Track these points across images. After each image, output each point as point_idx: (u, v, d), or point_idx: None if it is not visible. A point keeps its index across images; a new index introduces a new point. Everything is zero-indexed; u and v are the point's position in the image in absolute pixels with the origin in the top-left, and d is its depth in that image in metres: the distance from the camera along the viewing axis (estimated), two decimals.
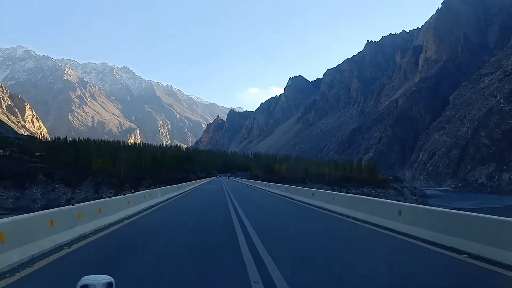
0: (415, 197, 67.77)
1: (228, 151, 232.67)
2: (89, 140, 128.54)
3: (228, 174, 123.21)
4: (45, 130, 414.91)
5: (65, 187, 67.95)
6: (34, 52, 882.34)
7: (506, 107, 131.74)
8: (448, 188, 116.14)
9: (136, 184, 64.67)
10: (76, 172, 72.46)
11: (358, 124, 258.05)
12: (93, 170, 74.83)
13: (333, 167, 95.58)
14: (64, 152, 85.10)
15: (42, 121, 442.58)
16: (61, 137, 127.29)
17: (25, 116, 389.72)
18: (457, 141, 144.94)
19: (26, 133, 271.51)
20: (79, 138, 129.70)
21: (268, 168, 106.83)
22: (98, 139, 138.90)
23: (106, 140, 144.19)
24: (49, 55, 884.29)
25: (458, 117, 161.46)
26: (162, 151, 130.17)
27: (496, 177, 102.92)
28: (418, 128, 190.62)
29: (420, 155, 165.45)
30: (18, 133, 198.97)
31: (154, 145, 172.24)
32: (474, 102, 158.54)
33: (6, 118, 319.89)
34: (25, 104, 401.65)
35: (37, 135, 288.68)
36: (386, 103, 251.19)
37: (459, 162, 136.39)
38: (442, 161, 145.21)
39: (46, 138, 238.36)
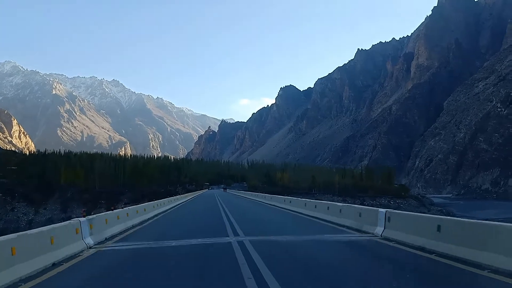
0: (439, 208, 60.84)
1: (221, 161, 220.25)
2: (58, 151, 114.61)
3: (223, 186, 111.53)
4: (33, 145, 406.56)
5: (27, 206, 58.20)
6: (22, 67, 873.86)
7: (504, 111, 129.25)
8: (450, 195, 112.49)
9: (113, 199, 57.89)
10: (42, 187, 62.15)
11: (351, 132, 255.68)
12: (62, 185, 65.10)
13: (341, 174, 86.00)
14: (33, 165, 74.60)
15: (29, 137, 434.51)
16: (47, 151, 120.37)
17: (12, 131, 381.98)
18: (454, 147, 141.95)
19: (13, 148, 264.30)
20: (45, 150, 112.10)
21: (268, 178, 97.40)
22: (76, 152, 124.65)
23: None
24: (37, 70, 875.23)
25: (453, 122, 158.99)
26: (144, 161, 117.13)
27: (502, 182, 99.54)
28: (413, 135, 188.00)
29: (417, 162, 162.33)
30: (1, 149, 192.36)
31: (137, 155, 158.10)
32: (470, 108, 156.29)
33: None
34: (12, 119, 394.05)
35: (25, 151, 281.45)
36: (379, 110, 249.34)
37: (457, 168, 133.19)
38: (440, 168, 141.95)
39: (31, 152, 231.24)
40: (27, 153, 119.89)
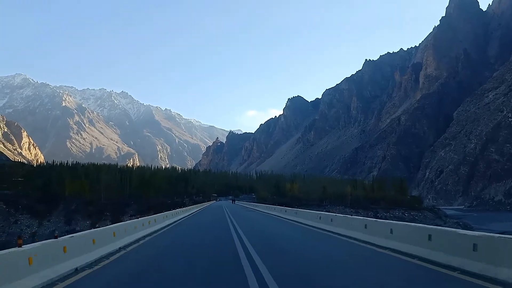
0: (455, 220, 58.60)
1: (229, 172, 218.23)
2: (66, 163, 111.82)
3: (231, 197, 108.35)
4: (42, 157, 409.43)
5: (30, 218, 56.74)
6: (32, 79, 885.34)
7: None
8: (462, 207, 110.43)
9: (119, 212, 56.14)
10: (46, 199, 60.59)
11: (360, 143, 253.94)
12: (67, 196, 63.12)
13: (352, 185, 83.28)
14: (39, 177, 72.88)
15: (39, 148, 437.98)
16: (54, 162, 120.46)
17: (22, 143, 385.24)
18: (465, 157, 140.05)
19: (23, 160, 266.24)
20: (53, 161, 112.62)
21: (277, 189, 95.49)
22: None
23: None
24: (47, 83, 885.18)
25: (464, 133, 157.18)
26: (151, 172, 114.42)
27: None
28: (422, 146, 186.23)
29: (427, 173, 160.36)
30: (11, 160, 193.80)
31: (144, 166, 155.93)
32: (480, 118, 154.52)
33: (2, 145, 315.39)
34: (22, 131, 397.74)
35: (34, 163, 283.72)
36: (388, 121, 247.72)
37: (469, 179, 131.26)
38: (451, 179, 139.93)
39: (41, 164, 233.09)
40: (34, 165, 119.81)
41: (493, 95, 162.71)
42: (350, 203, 63.90)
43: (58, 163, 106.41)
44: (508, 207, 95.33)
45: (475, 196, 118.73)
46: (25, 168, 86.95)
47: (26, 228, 54.33)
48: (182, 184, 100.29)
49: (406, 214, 57.99)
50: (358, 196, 70.82)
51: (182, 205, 59.00)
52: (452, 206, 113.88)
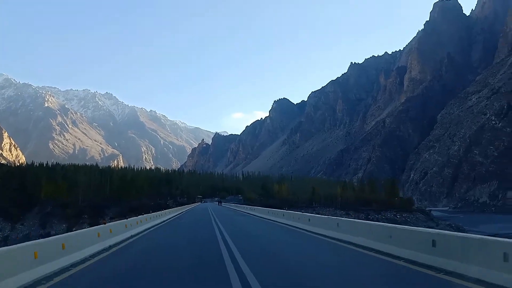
0: (447, 223, 57.09)
1: (214, 173, 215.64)
2: (46, 164, 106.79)
3: (217, 199, 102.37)
4: (24, 158, 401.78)
5: (3, 221, 54.39)
6: (14, 80, 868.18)
7: (498, 124, 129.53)
8: (447, 208, 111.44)
9: (98, 214, 53.49)
10: (21, 201, 57.38)
11: (345, 145, 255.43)
12: (43, 199, 59.79)
13: (342, 187, 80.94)
14: (16, 178, 68.86)
15: (20, 149, 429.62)
16: (34, 163, 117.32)
17: (2, 144, 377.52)
18: (449, 159, 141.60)
19: (3, 161, 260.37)
20: (33, 162, 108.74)
21: (264, 190, 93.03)
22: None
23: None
24: (29, 83, 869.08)
25: (447, 135, 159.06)
26: (134, 173, 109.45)
27: (500, 195, 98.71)
28: (407, 148, 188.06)
29: (412, 175, 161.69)
30: None
31: (126, 167, 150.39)
32: (463, 120, 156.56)
33: None
34: (3, 132, 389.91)
35: (14, 164, 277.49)
36: (373, 123, 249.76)
37: (453, 181, 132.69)
38: (435, 181, 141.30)
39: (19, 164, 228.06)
40: (13, 166, 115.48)
41: (476, 98, 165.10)
42: (340, 204, 62.40)
43: (37, 164, 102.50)
44: (493, 209, 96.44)
45: (459, 197, 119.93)
46: (2, 169, 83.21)
47: None
48: (166, 185, 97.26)
49: (398, 216, 56.71)
50: (348, 197, 69.13)
51: (166, 207, 56.70)
52: (436, 208, 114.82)
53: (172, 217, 34.19)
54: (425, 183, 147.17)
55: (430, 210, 75.43)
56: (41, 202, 59.52)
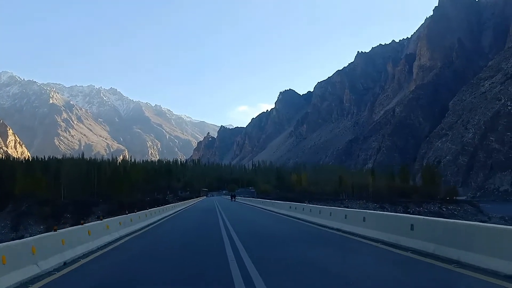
0: (499, 215, 47.82)
1: (221, 164, 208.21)
2: (34, 158, 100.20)
3: (232, 193, 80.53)
4: (29, 155, 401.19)
5: None
6: (19, 77, 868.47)
7: None
8: (465, 197, 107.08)
9: (84, 213, 46.57)
10: None
11: (353, 135, 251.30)
12: (17, 195, 52.59)
13: (368, 176, 69.53)
14: None
15: (26, 146, 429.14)
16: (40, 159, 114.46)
17: (7, 141, 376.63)
18: (463, 147, 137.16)
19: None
20: (9, 156, 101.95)
21: (280, 181, 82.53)
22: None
23: None
24: (34, 80, 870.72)
25: (461, 123, 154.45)
26: (127, 165, 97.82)
27: None
28: (418, 136, 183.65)
29: (424, 164, 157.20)
30: None
31: (116, 159, 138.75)
32: (477, 107, 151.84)
33: None
34: (8, 129, 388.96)
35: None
36: (382, 112, 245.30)
37: (468, 169, 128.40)
38: (450, 169, 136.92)
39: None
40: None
41: (489, 84, 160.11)
42: (372, 196, 55.19)
43: (14, 158, 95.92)
44: None
45: (477, 186, 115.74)
46: None
47: None
48: (166, 177, 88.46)
49: (444, 209, 49.03)
50: (380, 187, 61.02)
51: (165, 202, 49.90)
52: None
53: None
54: (439, 172, 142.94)
55: (479, 201, 66.73)
56: (15, 199, 51.76)
